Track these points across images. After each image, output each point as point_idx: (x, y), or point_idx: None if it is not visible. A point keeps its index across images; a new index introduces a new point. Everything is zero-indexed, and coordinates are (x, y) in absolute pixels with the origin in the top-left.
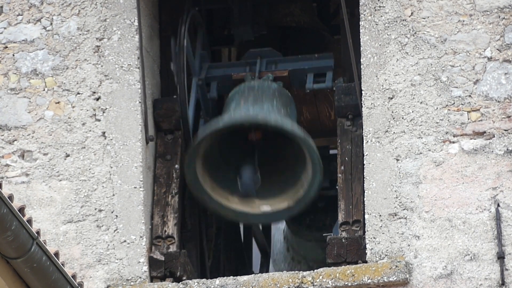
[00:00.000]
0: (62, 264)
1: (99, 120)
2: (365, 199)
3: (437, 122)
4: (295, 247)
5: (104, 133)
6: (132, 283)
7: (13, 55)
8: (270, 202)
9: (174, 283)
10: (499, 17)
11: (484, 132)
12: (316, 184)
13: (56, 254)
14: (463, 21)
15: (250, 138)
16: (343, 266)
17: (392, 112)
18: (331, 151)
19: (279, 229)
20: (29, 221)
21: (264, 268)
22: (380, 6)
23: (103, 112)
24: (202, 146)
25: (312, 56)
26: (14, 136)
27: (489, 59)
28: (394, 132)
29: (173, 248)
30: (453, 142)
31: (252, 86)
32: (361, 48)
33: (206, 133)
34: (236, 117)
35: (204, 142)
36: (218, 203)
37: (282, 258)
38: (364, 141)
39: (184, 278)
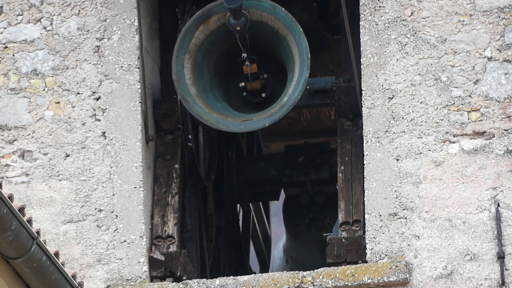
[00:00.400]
0: (62, 264)
1: (99, 120)
2: (365, 199)
3: (437, 122)
4: (294, 255)
5: (104, 133)
6: (132, 283)
7: (13, 55)
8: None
9: (174, 283)
10: (499, 17)
11: (484, 132)
12: (301, 85)
13: (56, 254)
14: (463, 21)
15: (245, 71)
16: (343, 266)
17: (392, 112)
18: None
19: (278, 248)
20: (29, 221)
21: None
22: (380, 6)
23: (103, 112)
24: (193, 48)
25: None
26: (14, 136)
27: (489, 59)
28: (394, 132)
29: (173, 248)
30: (453, 142)
31: None
32: (361, 48)
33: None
34: None
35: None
36: (200, 107)
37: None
38: (364, 141)
39: (184, 278)
